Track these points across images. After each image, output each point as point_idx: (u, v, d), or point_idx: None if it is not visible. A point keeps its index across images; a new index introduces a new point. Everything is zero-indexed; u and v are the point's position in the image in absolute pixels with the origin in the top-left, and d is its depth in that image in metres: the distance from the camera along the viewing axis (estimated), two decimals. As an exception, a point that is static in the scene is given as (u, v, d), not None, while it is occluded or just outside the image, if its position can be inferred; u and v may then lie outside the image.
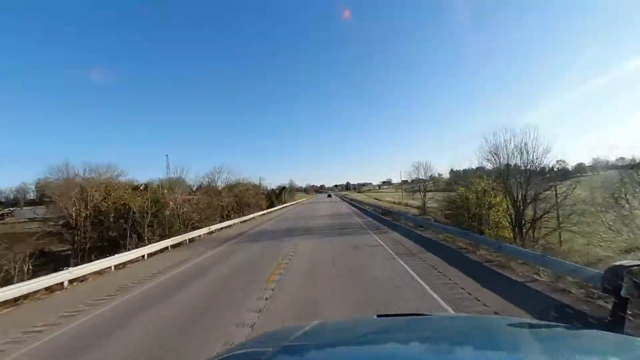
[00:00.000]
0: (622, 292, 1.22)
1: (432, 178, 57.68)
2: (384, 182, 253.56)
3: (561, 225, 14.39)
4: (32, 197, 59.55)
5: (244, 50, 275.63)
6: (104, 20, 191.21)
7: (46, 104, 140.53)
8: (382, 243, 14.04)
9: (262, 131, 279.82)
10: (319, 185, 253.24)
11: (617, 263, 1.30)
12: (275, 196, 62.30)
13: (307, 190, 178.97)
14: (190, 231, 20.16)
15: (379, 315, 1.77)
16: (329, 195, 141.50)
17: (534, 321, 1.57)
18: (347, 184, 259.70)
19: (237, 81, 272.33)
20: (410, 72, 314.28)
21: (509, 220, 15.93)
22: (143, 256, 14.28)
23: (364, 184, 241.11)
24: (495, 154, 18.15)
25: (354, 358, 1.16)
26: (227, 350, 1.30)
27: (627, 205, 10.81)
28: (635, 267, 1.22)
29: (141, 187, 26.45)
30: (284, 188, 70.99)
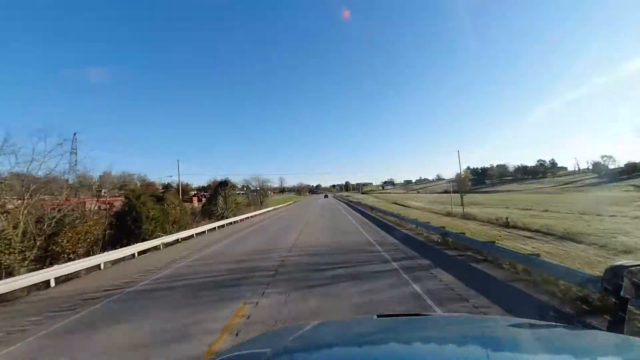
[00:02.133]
0: (622, 292, 1.22)
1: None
2: (385, 182, 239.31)
3: None
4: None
5: (237, 47, 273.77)
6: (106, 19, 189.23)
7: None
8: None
9: (259, 131, 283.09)
10: (314, 185, 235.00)
11: (617, 263, 1.30)
12: (206, 203, 32.64)
13: (299, 190, 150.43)
14: None
15: (379, 316, 1.71)
16: (326, 196, 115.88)
17: (534, 321, 1.52)
18: (347, 183, 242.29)
19: (228, 78, 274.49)
20: (414, 72, 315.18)
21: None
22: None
23: (364, 184, 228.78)
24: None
25: (354, 358, 1.17)
26: (227, 350, 1.31)
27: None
28: (635, 267, 1.22)
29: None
30: (224, 184, 33.28)
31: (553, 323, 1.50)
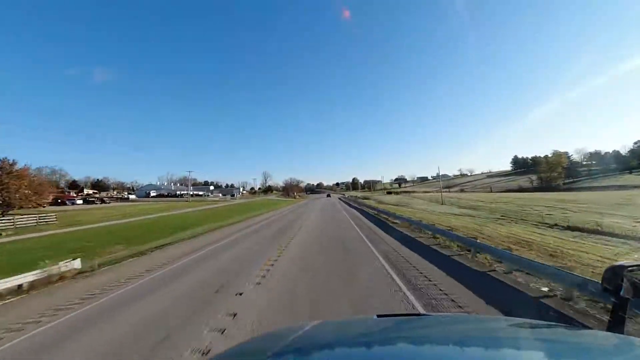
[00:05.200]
0: (622, 293, 1.23)
1: None
2: (396, 179, 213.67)
3: None
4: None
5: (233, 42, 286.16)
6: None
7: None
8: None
9: (258, 128, 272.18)
10: (314, 184, 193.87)
11: (617, 263, 1.31)
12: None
13: (287, 189, 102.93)
14: None
15: (379, 315, 1.67)
16: (328, 196, 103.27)
17: (534, 321, 1.50)
18: (354, 180, 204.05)
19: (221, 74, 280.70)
20: (420, 72, 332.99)
21: None
22: None
23: (373, 182, 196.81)
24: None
25: (354, 358, 1.17)
26: (227, 350, 1.32)
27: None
28: (635, 267, 1.24)
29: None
30: None
31: (553, 323, 1.49)
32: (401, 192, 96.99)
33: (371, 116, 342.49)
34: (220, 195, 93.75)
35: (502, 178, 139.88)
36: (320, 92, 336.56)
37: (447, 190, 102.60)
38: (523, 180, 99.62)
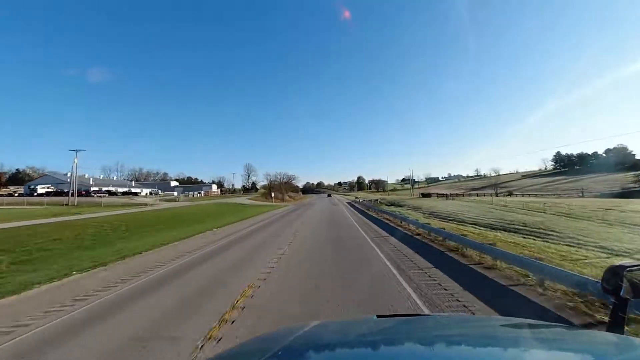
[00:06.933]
0: (622, 293, 1.23)
1: None
2: (403, 180, 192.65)
3: None
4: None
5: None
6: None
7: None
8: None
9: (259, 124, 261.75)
10: (314, 183, 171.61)
11: (617, 263, 1.32)
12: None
13: (271, 189, 73.95)
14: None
15: (379, 316, 1.69)
16: (329, 196, 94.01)
17: (534, 321, 1.52)
18: (359, 179, 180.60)
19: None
20: (424, 70, 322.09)
21: None
22: None
23: (379, 181, 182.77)
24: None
25: (354, 358, 1.18)
26: (227, 350, 1.34)
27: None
28: (635, 267, 1.24)
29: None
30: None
31: (553, 323, 1.49)
32: (433, 194, 69.24)
33: (372, 118, 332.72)
34: (175, 194, 66.22)
35: (548, 178, 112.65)
36: (322, 92, 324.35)
37: (493, 193, 74.35)
38: (596, 181, 72.86)
